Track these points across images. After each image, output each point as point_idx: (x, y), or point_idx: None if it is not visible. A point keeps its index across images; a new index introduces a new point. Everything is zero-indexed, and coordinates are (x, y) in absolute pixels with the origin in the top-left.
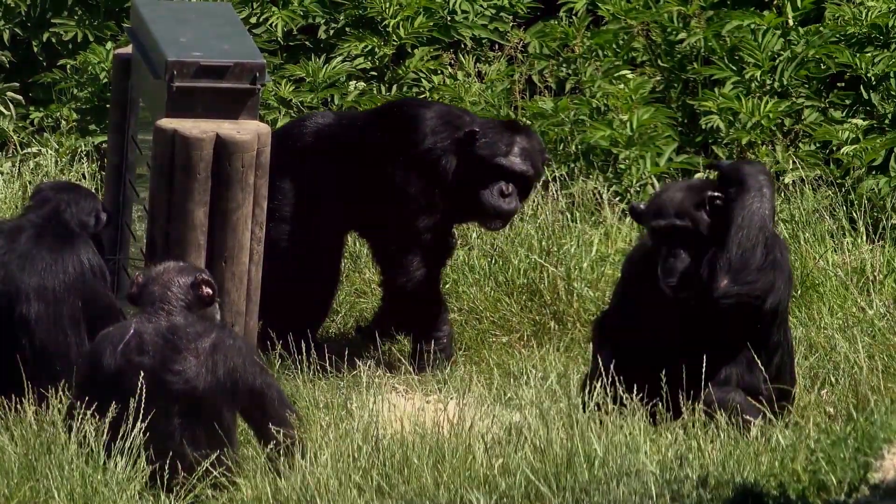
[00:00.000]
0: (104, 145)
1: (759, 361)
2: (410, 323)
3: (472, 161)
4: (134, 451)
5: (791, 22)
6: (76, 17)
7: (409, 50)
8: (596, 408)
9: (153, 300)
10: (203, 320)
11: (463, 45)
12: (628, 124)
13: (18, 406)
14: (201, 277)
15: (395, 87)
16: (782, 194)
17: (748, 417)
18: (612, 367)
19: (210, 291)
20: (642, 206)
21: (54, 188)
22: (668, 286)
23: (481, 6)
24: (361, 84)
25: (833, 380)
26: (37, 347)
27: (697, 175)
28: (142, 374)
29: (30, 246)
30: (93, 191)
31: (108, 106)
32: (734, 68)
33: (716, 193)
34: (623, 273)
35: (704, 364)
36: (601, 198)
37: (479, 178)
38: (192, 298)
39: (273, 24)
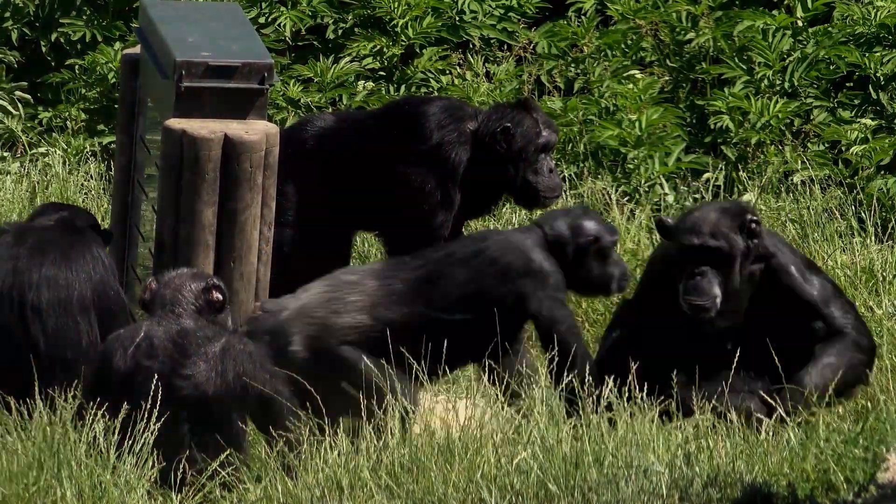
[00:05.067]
0: (112, 145)
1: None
2: None
3: (512, 154)
4: (143, 451)
5: (801, 22)
6: (84, 17)
7: (418, 50)
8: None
9: (164, 304)
10: (213, 325)
11: (471, 46)
12: (637, 124)
13: (29, 404)
14: (212, 283)
15: (403, 88)
16: (791, 194)
17: (760, 417)
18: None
19: (220, 297)
20: (670, 222)
21: (57, 205)
22: (690, 303)
23: (490, 6)
24: (370, 84)
25: None
26: (49, 336)
27: (706, 175)
28: (152, 377)
29: (40, 239)
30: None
31: (116, 106)
32: (744, 68)
33: (755, 217)
34: (645, 272)
35: (718, 366)
36: (610, 198)
37: (523, 166)
38: (202, 303)
39: (281, 24)
